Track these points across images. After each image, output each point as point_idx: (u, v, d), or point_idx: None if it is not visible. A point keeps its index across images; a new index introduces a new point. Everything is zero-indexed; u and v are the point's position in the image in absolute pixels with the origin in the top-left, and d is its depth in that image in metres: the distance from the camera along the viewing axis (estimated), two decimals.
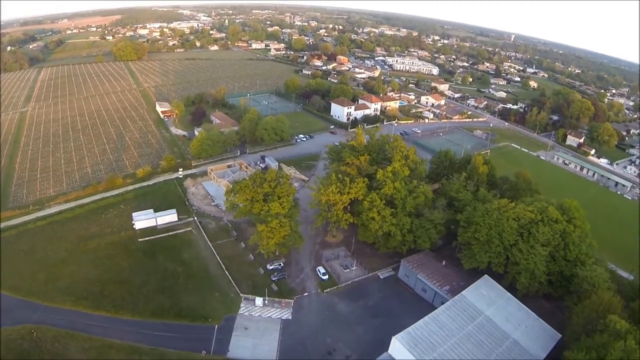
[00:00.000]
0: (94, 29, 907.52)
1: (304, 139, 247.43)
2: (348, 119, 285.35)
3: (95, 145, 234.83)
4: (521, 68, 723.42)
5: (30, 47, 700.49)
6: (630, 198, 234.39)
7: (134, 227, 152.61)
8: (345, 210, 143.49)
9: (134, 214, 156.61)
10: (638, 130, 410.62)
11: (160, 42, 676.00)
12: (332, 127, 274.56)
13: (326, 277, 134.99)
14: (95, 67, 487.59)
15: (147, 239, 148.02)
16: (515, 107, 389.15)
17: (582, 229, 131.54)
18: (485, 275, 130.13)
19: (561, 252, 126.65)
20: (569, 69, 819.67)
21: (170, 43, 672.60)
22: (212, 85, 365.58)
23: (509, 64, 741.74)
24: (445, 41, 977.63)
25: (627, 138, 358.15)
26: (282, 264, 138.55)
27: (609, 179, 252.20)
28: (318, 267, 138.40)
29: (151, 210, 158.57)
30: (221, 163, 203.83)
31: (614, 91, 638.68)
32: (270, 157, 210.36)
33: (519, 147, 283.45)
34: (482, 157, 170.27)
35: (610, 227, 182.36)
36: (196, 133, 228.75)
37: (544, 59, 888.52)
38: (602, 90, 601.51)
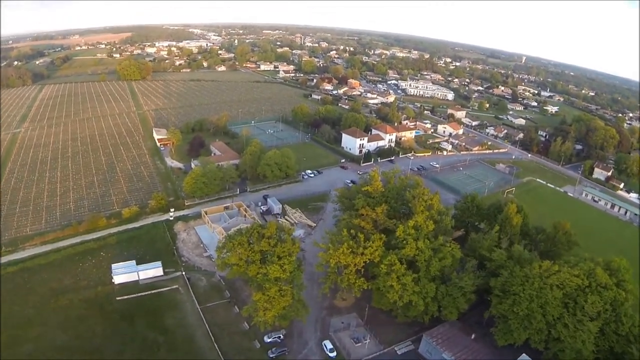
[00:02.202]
0: (103, 46, 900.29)
1: (312, 175, 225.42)
2: (360, 151, 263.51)
3: (83, 176, 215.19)
4: (536, 91, 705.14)
5: (37, 62, 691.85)
6: None
7: (113, 281, 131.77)
8: (359, 274, 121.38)
9: (113, 266, 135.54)
10: None
11: (166, 61, 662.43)
12: (343, 160, 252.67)
13: (334, 353, 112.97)
14: (98, 86, 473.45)
15: (126, 297, 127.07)
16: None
17: (634, 294, 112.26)
18: (524, 354, 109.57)
19: (612, 325, 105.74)
20: (583, 91, 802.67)
21: (177, 63, 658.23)
22: (215, 110, 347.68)
23: (523, 87, 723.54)
24: (457, 63, 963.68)
25: None
26: (282, 336, 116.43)
27: None
28: (324, 341, 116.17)
29: (133, 262, 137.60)
30: (218, 203, 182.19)
31: (630, 115, 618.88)
32: (273, 197, 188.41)
33: (545, 183, 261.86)
34: (516, 205, 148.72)
35: None
36: (193, 166, 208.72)
37: (557, 81, 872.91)
38: (620, 115, 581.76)
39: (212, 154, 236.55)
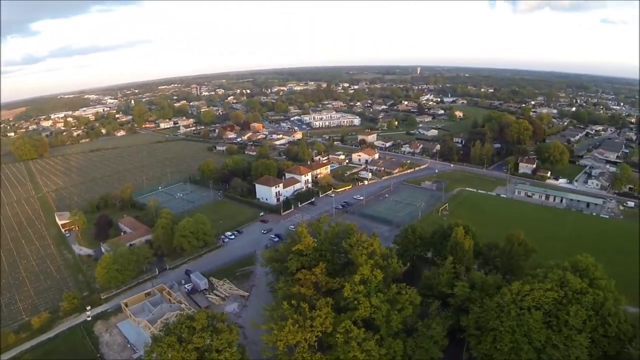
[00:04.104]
0: None
1: (232, 237, 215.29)
2: (278, 199, 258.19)
3: None
4: (439, 99, 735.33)
5: None
6: (607, 217, 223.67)
7: None
8: (312, 349, 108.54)
9: None
10: (577, 137, 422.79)
11: (64, 133, 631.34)
12: (262, 213, 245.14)
13: None
14: None
15: None
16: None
17: (610, 289, 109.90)
18: None
19: (600, 330, 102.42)
20: (482, 89, 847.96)
21: (75, 133, 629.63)
22: (119, 181, 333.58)
23: (426, 97, 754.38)
24: (356, 87, 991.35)
25: (572, 148, 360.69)
26: None
27: (578, 201, 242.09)
28: None
29: None
30: (138, 289, 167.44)
31: (533, 102, 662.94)
32: (196, 272, 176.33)
33: (475, 190, 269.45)
34: (463, 228, 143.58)
35: (616, 259, 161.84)
36: (103, 250, 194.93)
37: (456, 85, 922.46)
38: (524, 105, 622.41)
39: (122, 233, 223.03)
